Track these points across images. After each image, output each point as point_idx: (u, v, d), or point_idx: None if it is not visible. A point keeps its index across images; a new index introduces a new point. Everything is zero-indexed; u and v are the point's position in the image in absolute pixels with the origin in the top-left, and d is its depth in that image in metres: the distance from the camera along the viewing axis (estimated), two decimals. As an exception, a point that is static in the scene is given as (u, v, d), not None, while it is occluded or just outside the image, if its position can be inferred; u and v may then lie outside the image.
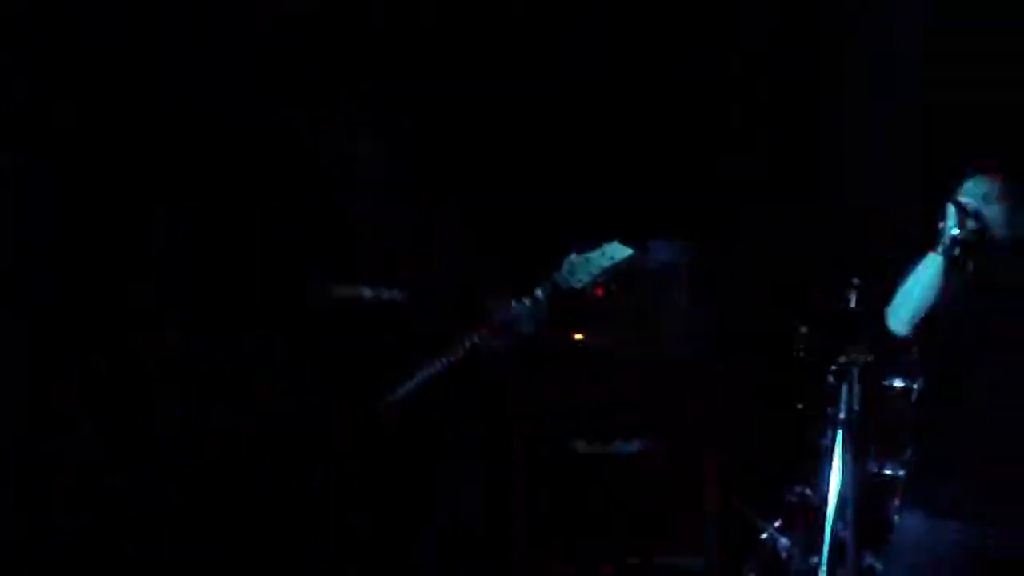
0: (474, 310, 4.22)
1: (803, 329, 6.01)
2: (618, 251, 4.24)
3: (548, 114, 6.42)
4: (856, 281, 5.56)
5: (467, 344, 4.19)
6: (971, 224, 4.00)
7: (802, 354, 6.03)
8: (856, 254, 5.82)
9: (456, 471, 4.38)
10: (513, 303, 4.18)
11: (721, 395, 6.33)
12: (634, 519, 5.99)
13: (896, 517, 4.55)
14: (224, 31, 6.07)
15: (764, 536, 5.97)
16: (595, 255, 4.24)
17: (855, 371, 5.50)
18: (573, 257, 4.26)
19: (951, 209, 4.02)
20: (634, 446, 6.05)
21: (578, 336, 5.97)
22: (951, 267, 4.03)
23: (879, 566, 5.28)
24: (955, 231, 3.98)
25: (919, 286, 4.10)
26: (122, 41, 6.05)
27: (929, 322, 4.12)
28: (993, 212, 4.06)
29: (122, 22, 5.96)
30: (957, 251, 4.00)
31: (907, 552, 4.16)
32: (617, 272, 4.25)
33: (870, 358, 5.55)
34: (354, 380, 4.27)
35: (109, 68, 6.06)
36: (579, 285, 4.18)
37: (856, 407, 5.49)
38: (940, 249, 4.00)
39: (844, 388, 5.52)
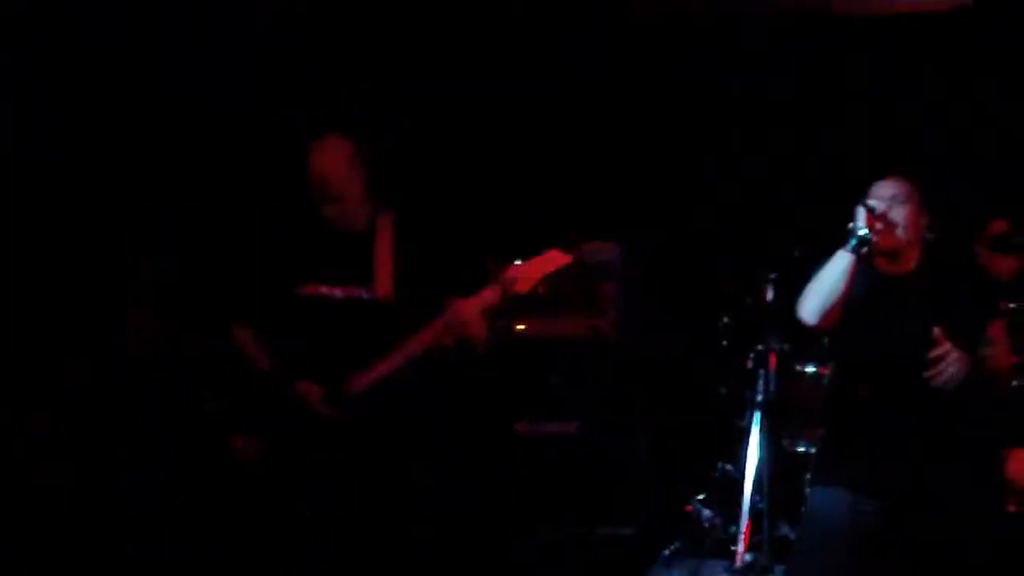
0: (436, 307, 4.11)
1: (725, 320, 6.25)
2: (558, 258, 4.23)
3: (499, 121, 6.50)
4: (772, 276, 5.77)
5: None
6: (878, 225, 4.15)
7: (724, 342, 6.26)
8: (772, 252, 5.88)
9: (412, 453, 4.24)
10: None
11: (650, 380, 6.45)
12: (574, 494, 6.07)
13: (808, 490, 4.63)
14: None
15: (690, 507, 6.10)
16: (537, 262, 4.20)
17: (771, 358, 5.76)
18: (517, 263, 4.21)
19: (860, 210, 4.16)
20: (572, 427, 6.15)
21: (520, 327, 6.10)
22: (858, 264, 4.14)
23: (792, 535, 5.46)
24: (863, 231, 4.11)
25: (828, 280, 4.20)
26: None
27: (836, 314, 4.22)
28: (900, 214, 4.20)
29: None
30: (864, 250, 4.11)
31: (819, 522, 4.29)
32: (558, 276, 4.23)
33: (785, 346, 5.83)
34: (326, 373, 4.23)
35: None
36: (523, 291, 4.16)
37: (772, 390, 5.76)
38: (848, 247, 4.12)
39: (761, 373, 5.80)
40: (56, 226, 5.69)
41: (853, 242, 4.13)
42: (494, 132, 6.54)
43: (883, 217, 4.19)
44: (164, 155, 5.99)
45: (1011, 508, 5.13)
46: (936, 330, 4.01)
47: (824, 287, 4.21)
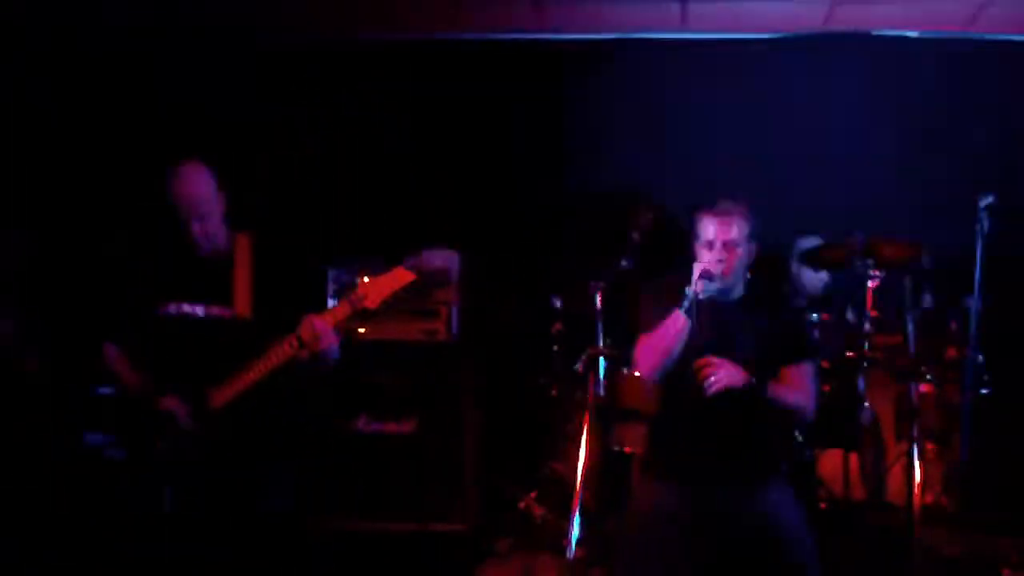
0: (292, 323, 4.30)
1: (557, 326, 6.45)
2: (404, 276, 4.40)
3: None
4: (600, 286, 5.93)
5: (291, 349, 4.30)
6: (709, 286, 4.44)
7: (555, 347, 6.46)
8: (601, 264, 5.99)
9: (264, 455, 4.46)
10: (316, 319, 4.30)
11: (485, 382, 6.60)
12: (410, 491, 6.16)
13: (635, 486, 4.92)
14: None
15: (522, 505, 6.32)
16: (385, 279, 4.37)
17: (600, 362, 5.79)
18: (365, 281, 4.38)
19: (695, 272, 4.43)
20: (407, 426, 6.25)
21: (361, 330, 6.32)
22: (689, 320, 4.40)
23: (618, 527, 5.48)
24: (696, 292, 4.39)
25: (664, 341, 4.47)
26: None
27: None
28: (734, 257, 4.48)
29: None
30: (694, 307, 4.38)
31: (639, 514, 4.63)
32: (404, 292, 4.41)
33: (613, 351, 5.85)
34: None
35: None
36: (372, 307, 4.32)
37: (600, 393, 5.81)
38: (683, 308, 4.39)
39: (591, 376, 5.78)
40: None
41: (686, 304, 4.38)
42: (338, 144, 6.77)
43: (721, 271, 4.46)
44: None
45: (822, 505, 5.77)
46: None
47: (661, 347, 4.48)
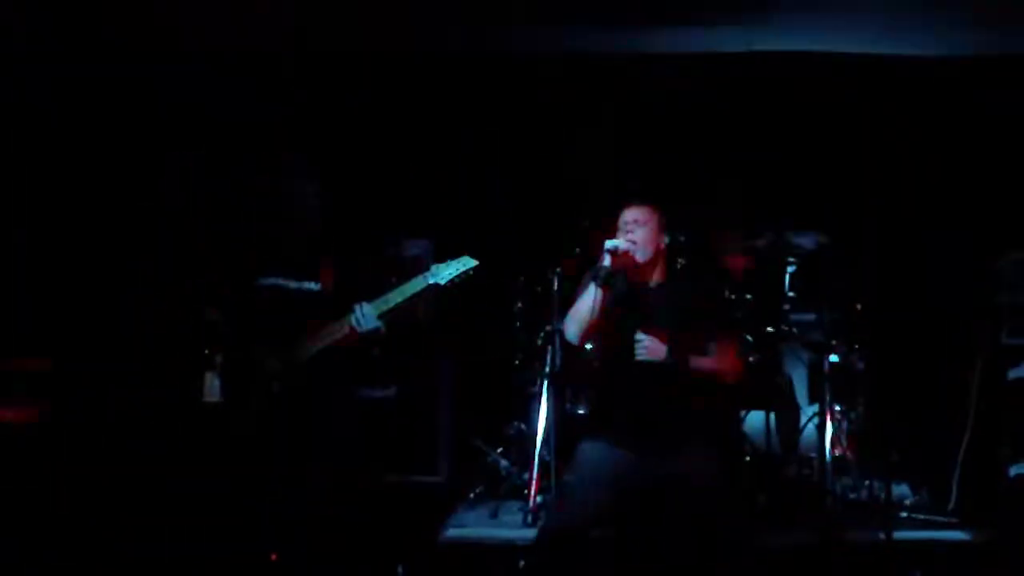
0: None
1: (519, 304, 6.79)
2: (468, 261, 4.98)
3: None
4: (557, 270, 6.23)
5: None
6: (621, 249, 4.80)
7: (518, 323, 6.81)
8: (557, 250, 6.42)
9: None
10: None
11: (457, 353, 6.96)
12: (393, 448, 6.49)
13: (579, 444, 5.05)
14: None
15: (490, 459, 6.72)
16: (453, 263, 4.94)
17: (558, 336, 6.12)
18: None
19: (606, 249, 4.80)
20: (391, 391, 6.55)
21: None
22: (607, 292, 4.75)
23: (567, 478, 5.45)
24: (607, 266, 4.78)
25: (584, 310, 4.86)
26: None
27: (592, 331, 4.85)
28: (639, 236, 4.83)
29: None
30: (610, 279, 4.75)
31: (584, 467, 4.90)
32: (467, 274, 4.99)
33: None
34: None
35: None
36: (442, 283, 4.92)
37: (558, 363, 6.21)
38: (598, 282, 4.76)
39: (549, 348, 6.26)
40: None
41: (600, 277, 4.75)
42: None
43: (626, 248, 4.80)
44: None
45: (747, 458, 6.10)
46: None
47: (582, 315, 4.86)
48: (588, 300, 4.82)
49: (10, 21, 6.09)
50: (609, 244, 4.81)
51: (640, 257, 4.91)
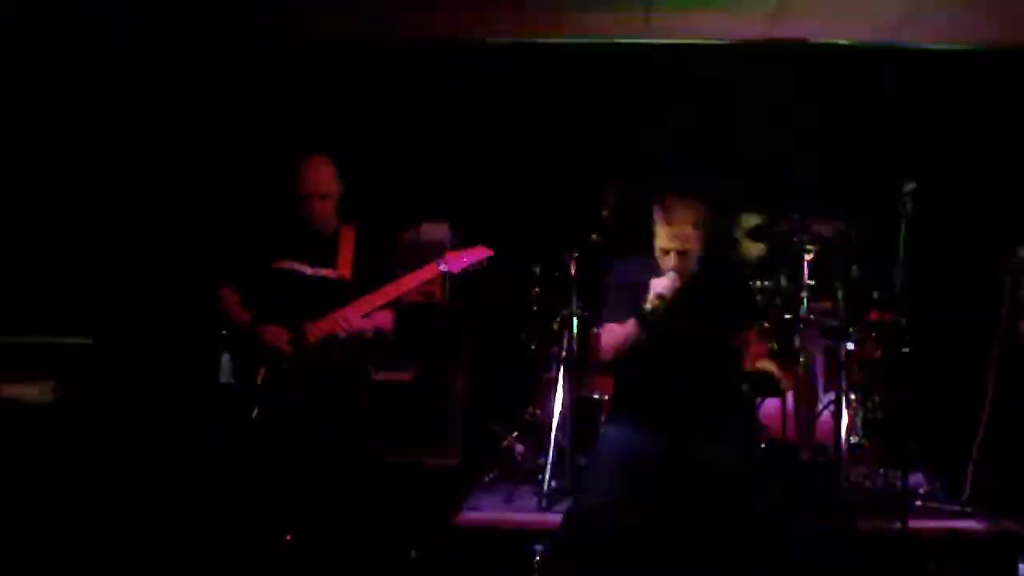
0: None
1: (536, 289, 6.80)
2: (482, 251, 5.10)
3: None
4: (575, 255, 6.27)
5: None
6: (660, 304, 4.68)
7: (535, 308, 6.81)
8: (575, 236, 6.35)
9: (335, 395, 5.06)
10: None
11: (474, 337, 7.05)
12: (411, 430, 6.69)
13: (602, 429, 5.18)
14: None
15: (505, 443, 6.73)
16: (467, 252, 5.06)
17: (574, 321, 6.25)
18: (450, 251, 5.13)
19: (657, 291, 4.68)
20: (407, 375, 6.74)
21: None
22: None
23: (587, 463, 5.71)
24: (648, 307, 4.67)
25: (623, 339, 4.79)
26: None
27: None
28: (690, 242, 4.74)
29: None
30: (649, 320, 4.66)
31: (609, 452, 4.87)
32: (480, 264, 5.10)
33: (585, 312, 6.28)
34: None
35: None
36: (455, 271, 5.02)
37: (574, 348, 6.24)
38: (645, 324, 4.68)
39: (565, 334, 6.28)
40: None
41: (648, 321, 4.68)
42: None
43: (664, 297, 4.66)
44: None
45: (763, 444, 6.13)
46: None
47: (620, 343, 4.80)
48: (629, 330, 4.77)
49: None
50: (658, 290, 4.70)
51: (691, 263, 4.83)
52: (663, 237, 4.81)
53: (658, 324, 4.70)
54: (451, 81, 7.31)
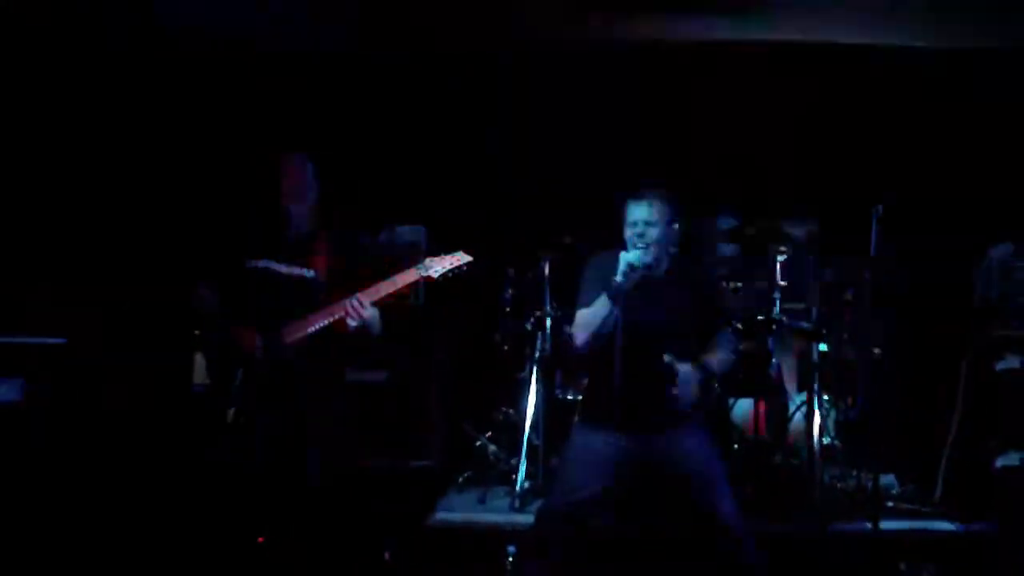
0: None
1: (509, 291, 6.82)
2: (462, 257, 5.01)
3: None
4: (547, 257, 6.33)
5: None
6: (632, 275, 4.64)
7: (508, 309, 6.83)
8: (547, 239, 6.44)
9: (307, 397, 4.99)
10: None
11: (447, 339, 6.97)
12: (385, 433, 6.61)
13: (573, 429, 5.04)
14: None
15: (478, 444, 6.74)
16: (447, 258, 4.98)
17: (547, 322, 6.31)
18: (430, 257, 5.02)
19: (621, 259, 4.64)
20: (382, 376, 6.68)
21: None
22: (616, 303, 4.63)
23: (558, 463, 5.62)
24: (620, 280, 4.62)
25: (595, 321, 4.74)
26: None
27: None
28: (653, 235, 4.71)
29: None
30: (621, 295, 4.60)
31: (580, 451, 4.86)
32: (459, 269, 5.01)
33: (557, 312, 6.33)
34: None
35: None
36: (434, 277, 4.94)
37: (547, 348, 6.31)
38: (610, 294, 4.64)
39: (538, 335, 6.35)
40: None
41: (613, 292, 4.64)
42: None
43: (646, 262, 4.64)
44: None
45: (735, 445, 6.14)
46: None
47: (593, 326, 4.75)
48: (601, 311, 4.74)
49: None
50: (628, 258, 4.67)
51: (655, 255, 4.81)
52: (628, 226, 4.84)
53: (629, 299, 4.67)
54: (423, 87, 7.37)
